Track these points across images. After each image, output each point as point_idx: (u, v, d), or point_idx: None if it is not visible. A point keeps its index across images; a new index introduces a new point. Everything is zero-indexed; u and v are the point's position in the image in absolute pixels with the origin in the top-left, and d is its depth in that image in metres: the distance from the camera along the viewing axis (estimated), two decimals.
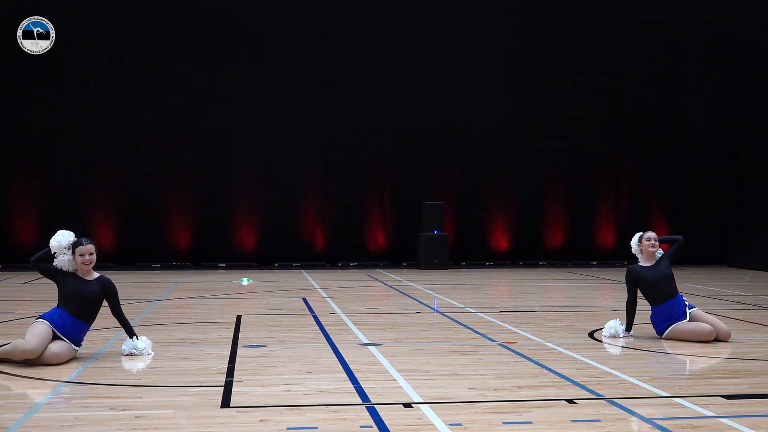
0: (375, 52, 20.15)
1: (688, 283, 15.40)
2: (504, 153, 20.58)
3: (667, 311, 8.85)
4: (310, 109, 20.02)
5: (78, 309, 7.61)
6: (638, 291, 8.97)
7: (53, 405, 6.00)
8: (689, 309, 8.88)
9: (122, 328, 7.99)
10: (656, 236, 9.10)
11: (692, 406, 5.93)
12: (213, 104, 19.69)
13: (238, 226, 19.83)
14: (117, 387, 6.56)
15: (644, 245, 9.05)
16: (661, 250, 9.15)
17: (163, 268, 19.30)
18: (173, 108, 19.55)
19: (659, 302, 8.89)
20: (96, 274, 7.83)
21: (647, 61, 20.96)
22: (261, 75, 19.80)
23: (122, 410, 5.82)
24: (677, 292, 8.97)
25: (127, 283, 15.32)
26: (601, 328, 9.35)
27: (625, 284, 9.11)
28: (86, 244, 7.73)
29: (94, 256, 7.76)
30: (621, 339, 8.87)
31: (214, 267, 19.50)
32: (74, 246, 7.71)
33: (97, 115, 19.30)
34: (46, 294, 12.81)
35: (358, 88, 20.11)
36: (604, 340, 8.86)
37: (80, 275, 7.75)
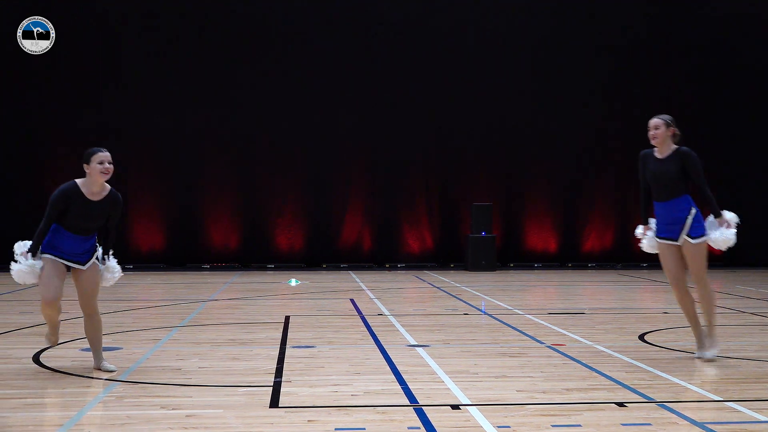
0: (420, 53, 20.09)
1: (741, 286, 15.15)
2: (552, 154, 20.41)
3: (668, 215, 7.82)
4: (357, 112, 20.03)
5: (78, 226, 6.99)
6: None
7: (106, 403, 6.09)
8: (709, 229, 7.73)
9: (106, 242, 7.29)
10: (656, 124, 8.47)
11: (745, 411, 5.84)
12: (256, 106, 19.72)
13: (287, 228, 19.91)
14: (168, 386, 6.64)
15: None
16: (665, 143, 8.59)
17: (213, 269, 19.49)
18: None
19: (657, 200, 8.00)
20: (107, 189, 7.10)
21: (694, 58, 20.59)
22: (308, 77, 19.82)
23: (173, 409, 5.90)
24: (682, 195, 7.96)
25: (176, 284, 15.51)
26: (651, 331, 9.24)
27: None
28: (105, 151, 7.00)
29: (113, 166, 6.99)
30: (644, 239, 8.03)
31: (262, 268, 19.63)
32: (90, 155, 6.96)
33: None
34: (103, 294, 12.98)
35: (403, 90, 20.07)
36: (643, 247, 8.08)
37: (89, 197, 6.97)
